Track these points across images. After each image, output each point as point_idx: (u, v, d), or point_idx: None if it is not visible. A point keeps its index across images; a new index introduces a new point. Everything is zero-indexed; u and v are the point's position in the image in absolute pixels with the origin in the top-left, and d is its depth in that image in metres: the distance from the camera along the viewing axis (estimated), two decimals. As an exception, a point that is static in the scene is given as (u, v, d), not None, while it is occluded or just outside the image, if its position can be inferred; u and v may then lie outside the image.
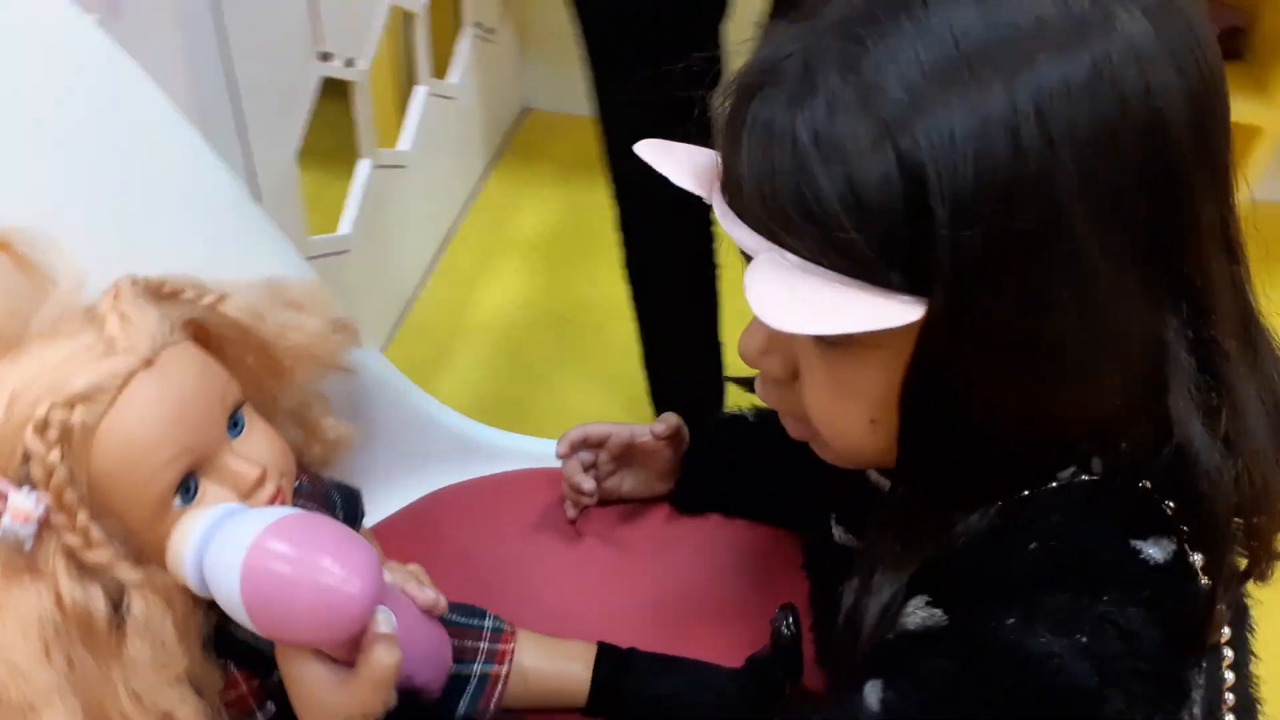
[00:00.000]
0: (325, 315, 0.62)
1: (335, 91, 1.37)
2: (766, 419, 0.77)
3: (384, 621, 0.49)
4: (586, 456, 0.76)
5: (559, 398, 1.58)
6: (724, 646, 0.71)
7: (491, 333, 1.71)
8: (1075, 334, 0.39)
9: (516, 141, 2.17)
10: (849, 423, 0.46)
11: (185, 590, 0.50)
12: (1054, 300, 0.38)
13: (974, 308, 0.38)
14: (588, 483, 0.75)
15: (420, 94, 1.71)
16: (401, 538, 0.77)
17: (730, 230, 0.42)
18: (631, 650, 0.68)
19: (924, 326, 0.39)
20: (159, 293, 0.52)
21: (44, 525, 0.46)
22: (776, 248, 0.40)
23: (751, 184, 0.40)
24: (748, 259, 0.42)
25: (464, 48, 1.88)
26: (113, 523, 0.49)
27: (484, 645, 0.64)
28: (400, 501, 0.81)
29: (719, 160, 0.44)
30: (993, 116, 0.36)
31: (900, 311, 0.38)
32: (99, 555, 0.48)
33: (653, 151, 0.47)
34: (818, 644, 0.66)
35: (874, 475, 0.56)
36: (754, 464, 0.77)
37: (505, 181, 2.06)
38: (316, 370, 0.61)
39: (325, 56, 1.33)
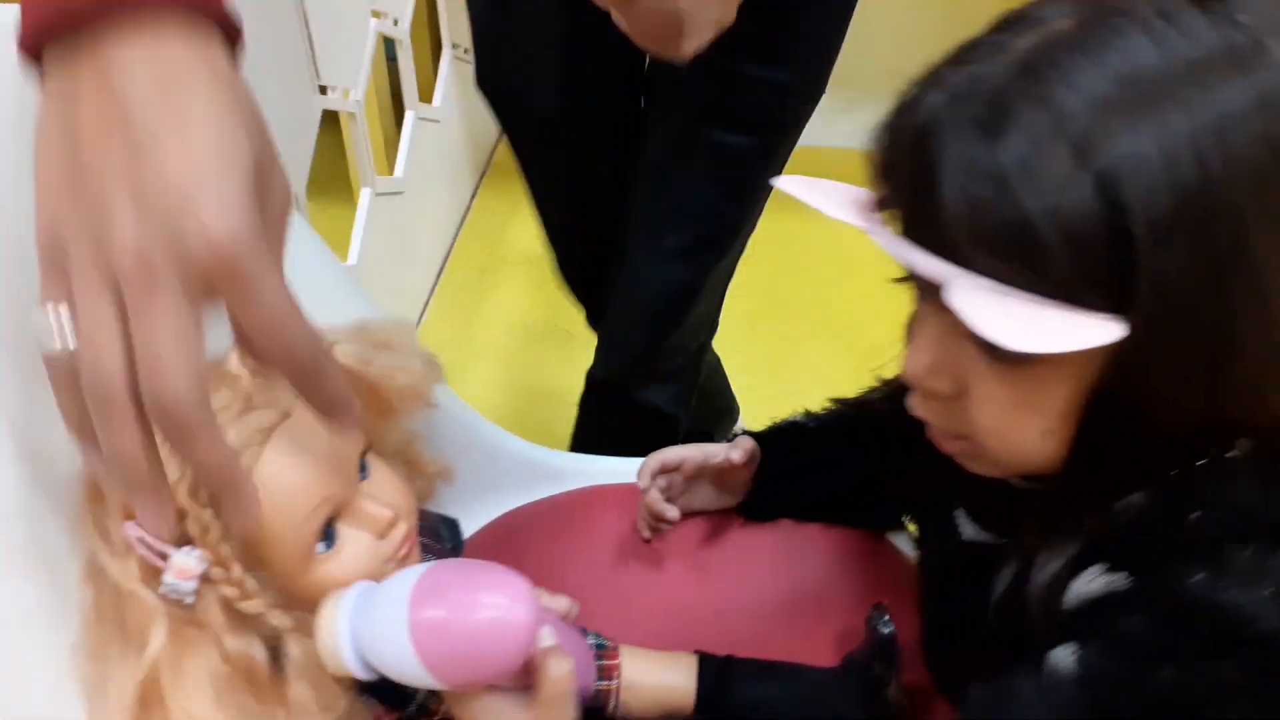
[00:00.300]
0: (416, 354, 0.63)
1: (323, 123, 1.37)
2: (824, 423, 0.79)
3: (546, 636, 0.50)
4: (662, 482, 0.78)
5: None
6: (815, 648, 0.73)
7: (500, 351, 1.72)
8: (1255, 343, 0.42)
9: (499, 158, 2.18)
10: (1023, 435, 0.49)
11: None
12: (1238, 313, 0.41)
13: (1169, 324, 0.41)
14: (672, 511, 0.76)
15: (410, 119, 1.71)
16: (480, 556, 0.78)
17: (910, 259, 0.45)
18: (730, 656, 0.70)
19: (1122, 343, 0.41)
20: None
21: (203, 580, 0.47)
22: (967, 272, 0.42)
23: (954, 215, 0.42)
24: (921, 288, 0.46)
25: (445, 70, 1.89)
26: (263, 574, 0.50)
27: (592, 663, 0.65)
28: (474, 527, 0.82)
29: (877, 194, 0.47)
30: (1178, 141, 0.39)
31: (1104, 331, 0.40)
32: (254, 606, 0.49)
33: (798, 187, 0.50)
34: (928, 641, 0.68)
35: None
36: (820, 468, 0.79)
37: (493, 199, 2.07)
38: (420, 408, 0.62)
39: (324, 90, 1.33)
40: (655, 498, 0.76)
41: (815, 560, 0.80)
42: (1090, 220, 0.40)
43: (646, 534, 0.81)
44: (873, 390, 0.76)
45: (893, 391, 0.73)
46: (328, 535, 0.51)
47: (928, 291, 0.48)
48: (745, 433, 0.80)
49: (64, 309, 0.38)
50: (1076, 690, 0.47)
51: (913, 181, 0.45)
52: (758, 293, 2.05)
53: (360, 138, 1.45)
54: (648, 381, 1.15)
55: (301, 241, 0.68)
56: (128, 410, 0.37)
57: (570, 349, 1.71)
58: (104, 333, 0.37)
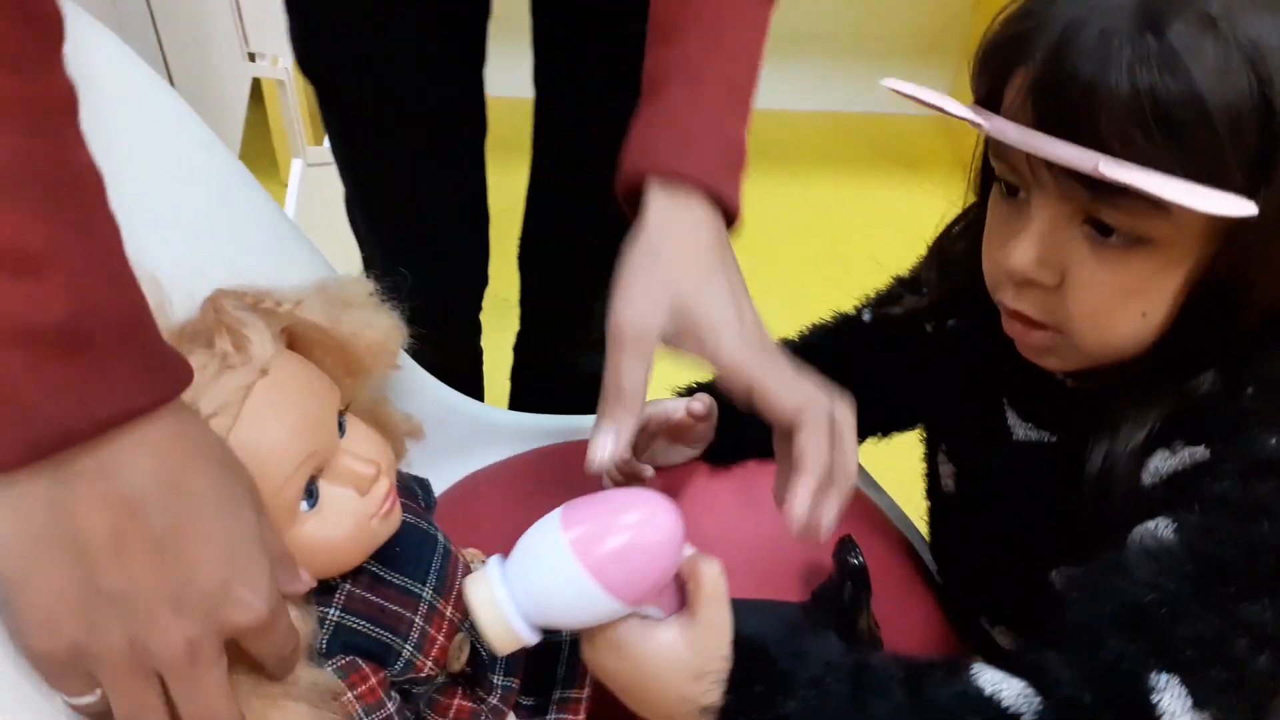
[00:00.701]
0: (382, 313, 0.63)
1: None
2: (797, 351, 0.80)
3: (686, 547, 0.52)
4: None
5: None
6: (784, 586, 0.74)
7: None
8: None
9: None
10: (1121, 318, 0.54)
11: (304, 603, 0.51)
12: None
13: None
14: (647, 470, 0.77)
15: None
16: (448, 520, 0.78)
17: (1045, 147, 0.49)
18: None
19: (1242, 224, 0.47)
20: (247, 304, 0.52)
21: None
22: (1106, 157, 0.47)
23: (1118, 98, 0.47)
24: (1019, 186, 0.54)
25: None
26: None
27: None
28: (438, 488, 0.82)
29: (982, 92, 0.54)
30: None
31: (1241, 206, 0.46)
32: None
33: (910, 87, 0.56)
34: (962, 561, 0.72)
35: (1063, 375, 0.62)
36: None
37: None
38: (389, 367, 0.61)
39: (253, 57, 1.30)
40: (627, 457, 0.77)
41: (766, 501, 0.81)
42: (1244, 95, 0.46)
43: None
44: (889, 300, 0.80)
45: (915, 306, 0.76)
46: (310, 494, 0.51)
47: (1036, 186, 0.53)
48: (699, 386, 0.81)
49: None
50: (1181, 551, 0.51)
51: (1056, 71, 0.49)
52: None
53: (290, 106, 1.42)
54: (583, 349, 1.14)
55: (255, 202, 0.67)
56: None
57: (511, 317, 1.71)
58: (154, 715, 0.42)
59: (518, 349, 1.20)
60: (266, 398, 0.49)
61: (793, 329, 0.84)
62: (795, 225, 2.23)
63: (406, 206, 1.00)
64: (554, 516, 0.50)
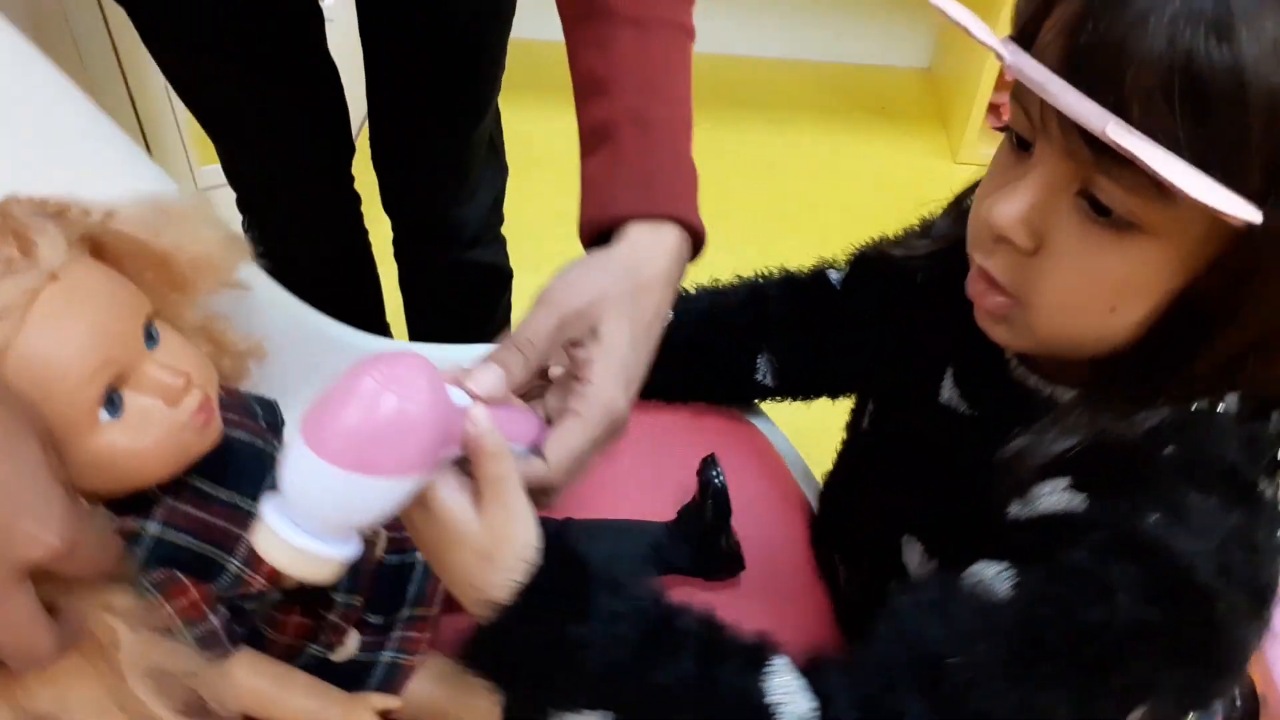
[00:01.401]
0: (214, 227, 0.61)
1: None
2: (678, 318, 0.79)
3: (479, 417, 0.47)
4: None
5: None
6: (659, 507, 0.75)
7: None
8: None
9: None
10: (1087, 308, 0.49)
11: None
12: None
13: None
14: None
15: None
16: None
17: (1061, 96, 0.43)
18: (567, 519, 0.71)
19: (1239, 234, 0.42)
20: (44, 211, 0.51)
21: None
22: (1122, 123, 0.41)
23: (1152, 56, 0.41)
24: (1028, 136, 0.47)
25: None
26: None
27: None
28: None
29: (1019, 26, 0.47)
30: None
31: (1246, 209, 0.40)
32: None
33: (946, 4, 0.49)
34: (845, 508, 0.72)
35: (1011, 357, 0.59)
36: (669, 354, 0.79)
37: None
38: (217, 283, 0.60)
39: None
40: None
41: (664, 436, 0.81)
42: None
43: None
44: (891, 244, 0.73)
45: (875, 253, 0.73)
46: (113, 403, 0.50)
47: (1042, 138, 0.47)
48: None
49: None
50: (1009, 613, 0.48)
51: (1094, 10, 0.43)
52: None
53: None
54: (454, 239, 1.16)
55: (83, 116, 0.65)
56: None
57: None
58: None
59: (396, 256, 1.21)
60: (56, 304, 0.48)
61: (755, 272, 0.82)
62: (768, 172, 2.22)
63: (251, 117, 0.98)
64: (295, 430, 0.45)
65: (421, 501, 0.47)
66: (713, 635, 0.51)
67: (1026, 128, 0.48)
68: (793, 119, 2.41)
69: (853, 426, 0.77)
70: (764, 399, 0.85)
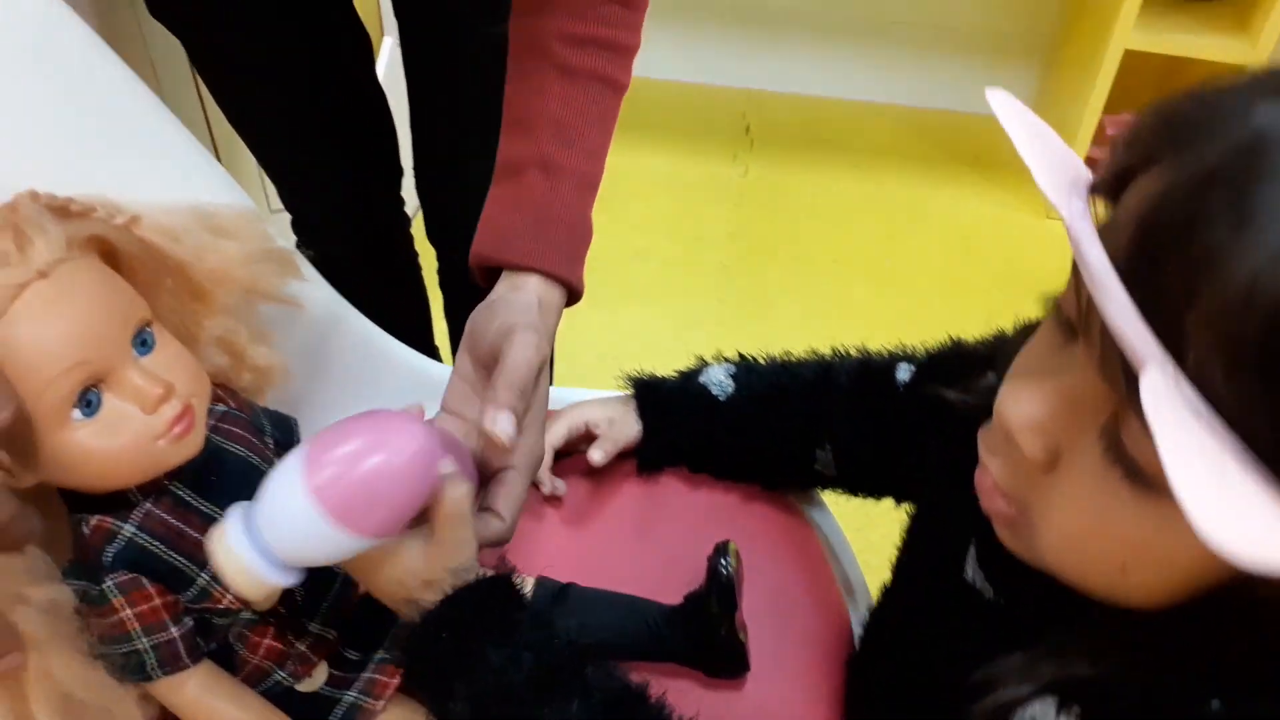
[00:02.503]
0: (255, 243, 0.62)
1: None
2: (738, 393, 0.75)
3: (446, 465, 0.52)
4: None
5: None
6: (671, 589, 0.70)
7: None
8: None
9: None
10: (1095, 557, 0.40)
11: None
12: None
13: None
14: (547, 486, 0.78)
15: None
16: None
17: (1108, 300, 0.33)
18: (570, 585, 0.68)
19: None
20: (65, 210, 0.53)
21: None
22: (1171, 361, 0.32)
23: (1234, 296, 0.30)
24: (1072, 320, 0.38)
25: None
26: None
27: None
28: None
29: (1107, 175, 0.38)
30: None
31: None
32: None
33: (1008, 107, 0.40)
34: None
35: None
36: (713, 438, 0.76)
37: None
38: (243, 296, 0.61)
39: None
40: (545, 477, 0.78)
41: (705, 514, 0.77)
42: None
43: None
44: (940, 370, 0.66)
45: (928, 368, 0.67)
46: (89, 402, 0.51)
47: (1084, 339, 0.38)
48: (640, 383, 0.77)
49: None
50: None
51: (1181, 203, 0.33)
52: (737, 241, 2.03)
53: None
54: None
55: (165, 126, 0.68)
56: None
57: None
58: None
59: (442, 285, 1.22)
60: (41, 300, 0.49)
61: (824, 323, 0.78)
62: (845, 217, 2.16)
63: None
64: (296, 460, 0.49)
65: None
66: (626, 707, 0.50)
67: (1074, 314, 0.39)
68: (876, 164, 2.33)
69: (895, 566, 0.67)
70: (824, 488, 0.78)
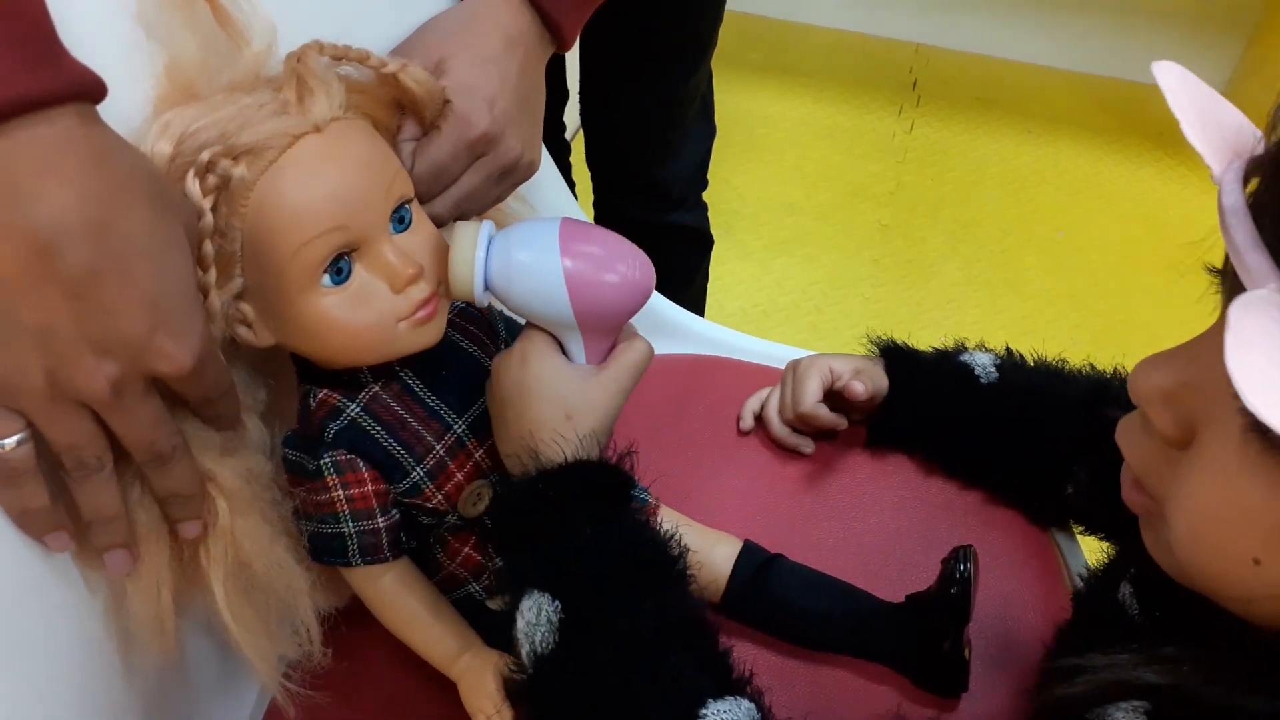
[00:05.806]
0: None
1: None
2: (1003, 384, 0.68)
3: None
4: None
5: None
6: (886, 587, 0.63)
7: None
8: None
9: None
10: (1225, 546, 0.36)
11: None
12: None
13: None
14: (807, 446, 0.73)
15: None
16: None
17: (1239, 235, 0.32)
18: (780, 556, 0.63)
19: None
20: (345, 55, 0.51)
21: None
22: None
23: None
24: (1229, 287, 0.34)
25: None
26: (255, 290, 0.48)
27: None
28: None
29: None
30: None
31: None
32: (215, 299, 0.47)
33: (1174, 76, 0.38)
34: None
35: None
36: (968, 421, 0.68)
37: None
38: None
39: None
40: (826, 415, 0.70)
41: (918, 503, 0.70)
42: None
43: (748, 423, 0.75)
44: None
45: None
46: (339, 270, 0.47)
47: (1224, 295, 0.36)
48: (890, 348, 0.71)
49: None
50: None
51: None
52: (897, 199, 1.94)
53: None
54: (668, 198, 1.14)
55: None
56: (111, 484, 0.43)
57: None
58: (92, 443, 0.41)
59: (597, 214, 1.18)
60: (311, 155, 0.46)
61: (987, 293, 0.71)
62: (1015, 184, 2.02)
63: None
64: (553, 232, 0.50)
65: (526, 356, 0.51)
66: (698, 630, 0.47)
67: (1222, 279, 0.36)
68: (1051, 132, 2.14)
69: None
70: (1065, 521, 0.70)
